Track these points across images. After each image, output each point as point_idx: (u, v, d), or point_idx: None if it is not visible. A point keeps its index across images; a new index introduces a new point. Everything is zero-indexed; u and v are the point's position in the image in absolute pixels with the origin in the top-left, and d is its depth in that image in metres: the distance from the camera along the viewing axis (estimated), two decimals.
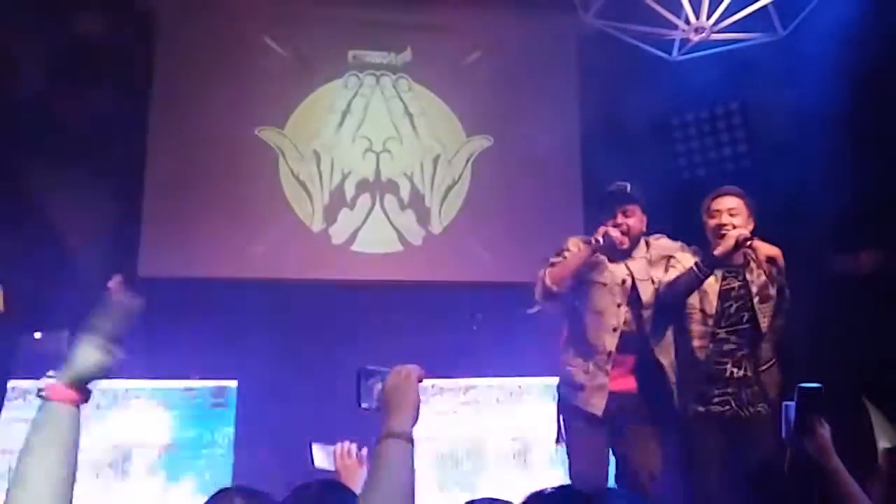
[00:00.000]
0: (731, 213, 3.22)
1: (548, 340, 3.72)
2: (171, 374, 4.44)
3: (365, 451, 2.33)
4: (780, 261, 3.20)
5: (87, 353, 1.30)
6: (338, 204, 5.38)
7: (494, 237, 5.40)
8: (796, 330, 3.36)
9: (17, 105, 4.54)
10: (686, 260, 3.27)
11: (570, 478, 3.26)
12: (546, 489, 1.51)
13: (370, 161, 5.46)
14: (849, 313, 4.06)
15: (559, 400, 3.37)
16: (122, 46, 4.98)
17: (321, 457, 2.44)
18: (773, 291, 3.23)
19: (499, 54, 5.62)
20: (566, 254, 3.29)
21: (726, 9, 4.14)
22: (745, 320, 3.24)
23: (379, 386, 1.47)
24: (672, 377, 3.26)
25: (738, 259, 3.24)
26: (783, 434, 1.91)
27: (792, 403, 1.88)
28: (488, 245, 5.40)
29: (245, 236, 5.18)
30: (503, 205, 5.46)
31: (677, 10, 4.23)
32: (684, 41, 4.43)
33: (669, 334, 3.30)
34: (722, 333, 3.24)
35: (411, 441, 1.35)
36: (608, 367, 3.21)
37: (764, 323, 3.23)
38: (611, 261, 3.29)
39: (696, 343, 3.24)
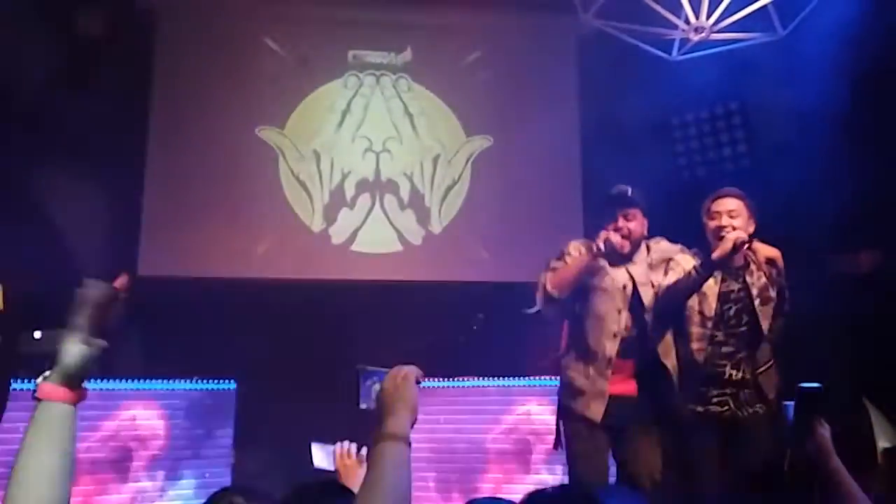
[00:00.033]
0: (732, 215, 3.22)
1: (548, 340, 3.72)
2: (171, 374, 4.44)
3: (365, 450, 2.32)
4: (780, 262, 3.20)
5: (69, 349, 1.31)
6: (338, 204, 5.38)
7: (494, 237, 5.40)
8: (796, 330, 3.35)
9: (17, 104, 4.54)
10: (686, 262, 3.27)
11: (571, 482, 3.25)
12: (546, 489, 1.51)
13: (370, 161, 5.46)
14: (849, 313, 4.05)
15: (559, 405, 3.36)
16: (122, 46, 4.98)
17: (321, 456, 2.44)
18: (773, 293, 3.23)
19: (499, 54, 5.63)
20: (567, 258, 3.28)
21: (726, 9, 4.14)
22: (744, 322, 3.24)
23: (377, 386, 1.47)
24: (675, 380, 3.25)
25: (739, 261, 3.24)
26: (783, 434, 1.91)
27: (792, 403, 1.88)
28: (488, 245, 5.40)
29: (245, 236, 5.18)
30: (503, 205, 5.46)
31: (677, 9, 4.24)
32: (684, 41, 4.44)
33: (669, 337, 3.29)
34: (720, 336, 3.23)
35: (408, 443, 1.35)
36: (608, 373, 3.20)
37: (765, 325, 3.22)
38: (612, 265, 3.27)
39: (694, 345, 3.24)
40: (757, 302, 3.21)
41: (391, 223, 5.41)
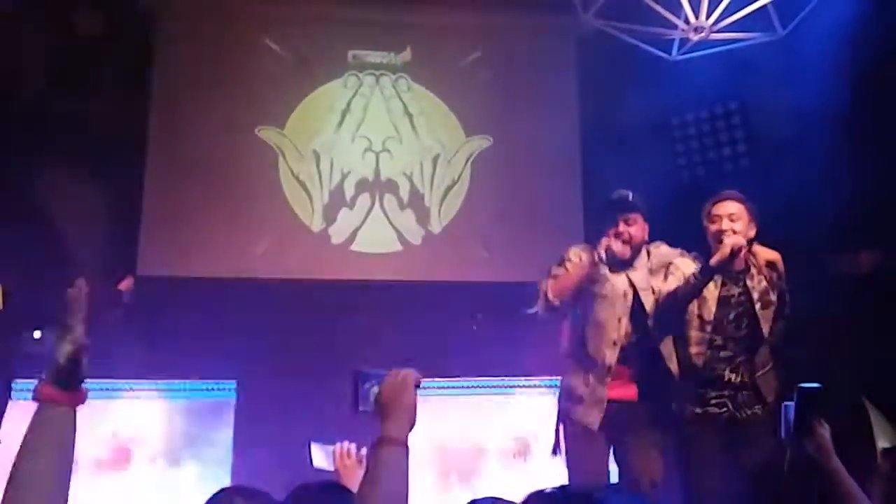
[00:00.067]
0: (732, 219, 3.20)
1: (547, 340, 3.72)
2: (171, 374, 4.44)
3: (364, 451, 2.32)
4: (781, 266, 3.19)
5: (57, 349, 1.32)
6: (337, 203, 5.38)
7: (494, 237, 5.40)
8: (796, 331, 3.35)
9: (17, 104, 4.54)
10: (685, 266, 3.27)
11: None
12: (546, 489, 1.51)
13: (370, 161, 5.46)
14: (849, 314, 4.05)
15: (558, 411, 3.36)
16: (122, 46, 4.98)
17: (320, 457, 2.44)
18: (773, 297, 3.22)
19: (499, 54, 5.62)
20: (567, 265, 3.27)
21: (726, 8, 4.14)
22: (744, 326, 3.23)
23: (375, 389, 1.47)
24: (675, 384, 3.25)
25: (739, 265, 3.23)
26: (783, 434, 1.91)
27: (792, 404, 1.88)
28: (488, 245, 5.40)
29: (245, 236, 5.18)
30: (503, 205, 5.46)
31: (677, 9, 4.24)
32: (684, 41, 4.44)
33: (670, 342, 3.29)
34: (719, 340, 3.23)
35: (406, 446, 1.35)
36: (608, 380, 3.20)
37: (765, 329, 3.21)
38: (612, 271, 3.27)
39: (693, 349, 3.23)
40: (758, 306, 3.21)
41: (391, 223, 5.40)
